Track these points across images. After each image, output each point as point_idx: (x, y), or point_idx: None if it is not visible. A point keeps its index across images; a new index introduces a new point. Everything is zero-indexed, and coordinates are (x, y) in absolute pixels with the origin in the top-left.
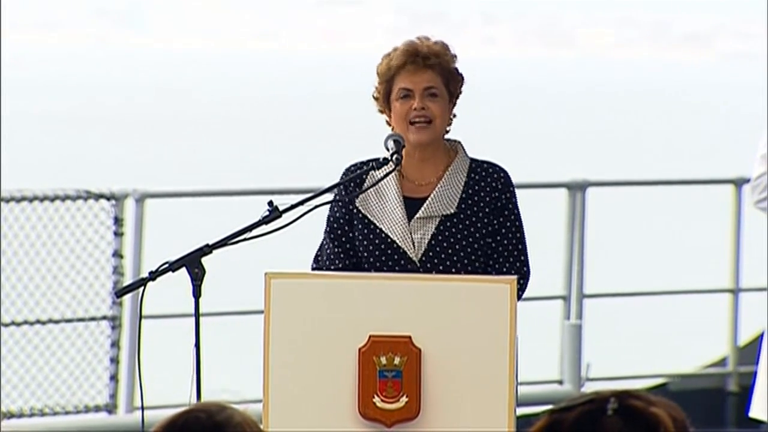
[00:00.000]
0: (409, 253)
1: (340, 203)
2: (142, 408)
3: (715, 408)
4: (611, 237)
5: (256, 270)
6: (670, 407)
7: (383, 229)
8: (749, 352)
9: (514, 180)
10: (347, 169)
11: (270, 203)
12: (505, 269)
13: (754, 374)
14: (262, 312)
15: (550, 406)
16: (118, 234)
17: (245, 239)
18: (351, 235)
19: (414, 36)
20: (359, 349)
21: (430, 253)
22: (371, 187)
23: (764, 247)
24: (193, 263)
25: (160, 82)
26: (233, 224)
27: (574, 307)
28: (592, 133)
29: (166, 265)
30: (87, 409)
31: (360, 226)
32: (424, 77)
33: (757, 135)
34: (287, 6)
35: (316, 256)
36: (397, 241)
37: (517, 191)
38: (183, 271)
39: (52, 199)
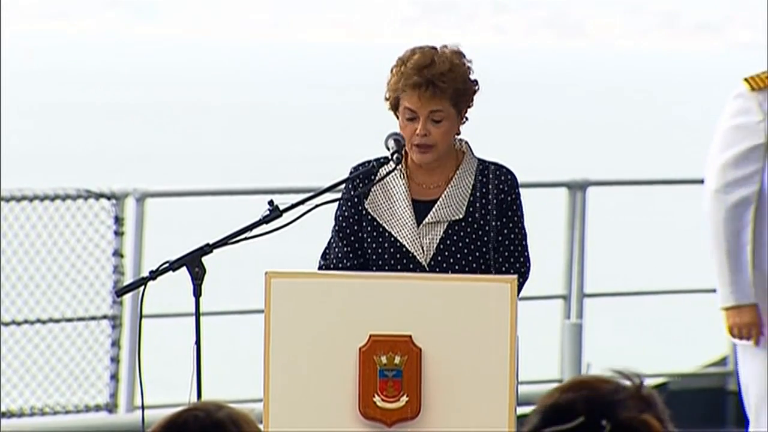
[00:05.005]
0: (418, 257)
1: (348, 202)
2: (143, 407)
3: (715, 408)
4: (611, 237)
5: (256, 270)
6: (653, 405)
7: (392, 232)
8: None
9: (520, 176)
10: (355, 168)
11: (270, 202)
12: (506, 267)
13: None
14: (262, 312)
15: None
16: (118, 233)
17: (245, 239)
18: (360, 235)
19: (427, 26)
20: (359, 349)
21: (439, 258)
22: (375, 183)
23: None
24: (193, 262)
25: (168, 74)
26: (233, 224)
27: (574, 306)
28: (600, 125)
29: (167, 265)
30: (87, 409)
31: (369, 228)
32: (431, 102)
33: None
34: None
35: (324, 253)
36: (407, 245)
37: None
38: (183, 271)
39: (52, 199)
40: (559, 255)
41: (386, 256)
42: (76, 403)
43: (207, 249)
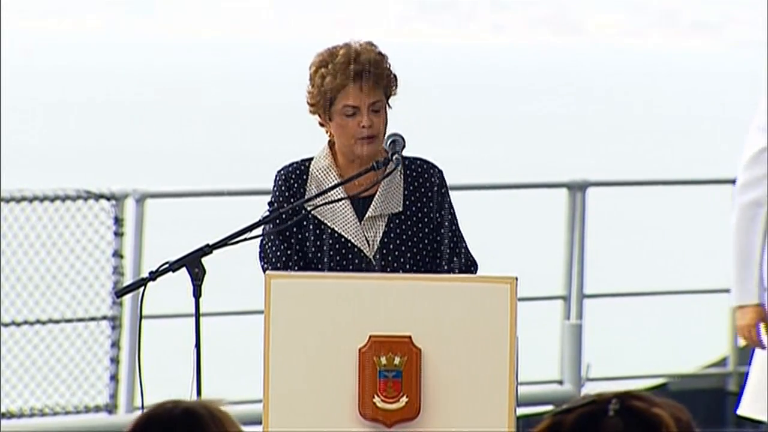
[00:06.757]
0: (364, 250)
1: (285, 205)
2: (143, 408)
3: (715, 408)
4: (611, 237)
5: (256, 270)
6: (674, 408)
7: (336, 228)
8: (749, 352)
9: (516, 179)
10: (285, 170)
11: (270, 203)
12: (454, 261)
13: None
14: (262, 312)
15: (550, 407)
16: (118, 234)
17: (245, 239)
18: (300, 236)
19: (425, 25)
20: (359, 349)
21: (384, 251)
22: (369, 188)
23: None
24: (193, 263)
25: (169, 73)
26: (233, 224)
27: (574, 307)
28: (600, 125)
29: (167, 265)
30: (87, 409)
31: (311, 227)
32: (370, 94)
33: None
34: None
35: (261, 256)
36: (352, 240)
37: (517, 191)
38: (183, 271)
39: (52, 199)
40: (559, 255)
41: (332, 253)
42: (76, 404)
43: (207, 250)
